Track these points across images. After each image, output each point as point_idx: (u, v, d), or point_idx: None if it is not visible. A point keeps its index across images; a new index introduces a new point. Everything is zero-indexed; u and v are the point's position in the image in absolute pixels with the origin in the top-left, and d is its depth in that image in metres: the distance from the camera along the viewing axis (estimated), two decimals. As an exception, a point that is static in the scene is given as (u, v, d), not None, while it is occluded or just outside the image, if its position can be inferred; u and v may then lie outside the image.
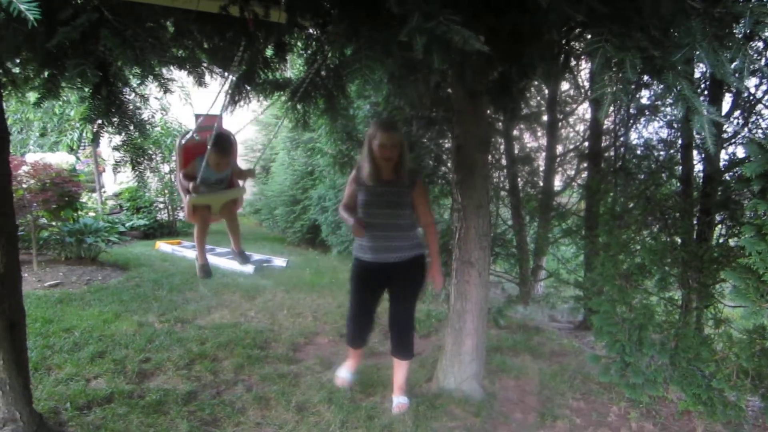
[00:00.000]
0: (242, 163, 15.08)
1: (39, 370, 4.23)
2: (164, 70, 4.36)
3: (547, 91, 6.98)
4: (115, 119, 2.68)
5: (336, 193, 9.39)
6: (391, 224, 3.76)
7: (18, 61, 2.86)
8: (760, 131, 4.65)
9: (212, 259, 9.13)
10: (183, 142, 4.26)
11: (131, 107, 2.84)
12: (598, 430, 3.79)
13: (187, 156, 4.23)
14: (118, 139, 2.99)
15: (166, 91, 2.55)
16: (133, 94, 2.89)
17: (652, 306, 4.00)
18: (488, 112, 4.60)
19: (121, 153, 3.13)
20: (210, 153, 3.98)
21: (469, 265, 4.02)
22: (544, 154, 7.32)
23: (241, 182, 4.70)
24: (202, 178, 4.04)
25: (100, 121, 2.71)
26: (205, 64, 4.16)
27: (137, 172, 3.43)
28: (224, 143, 4.27)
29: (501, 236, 6.90)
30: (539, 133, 7.49)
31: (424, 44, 1.66)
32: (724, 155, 4.71)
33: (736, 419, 3.50)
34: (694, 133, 4.79)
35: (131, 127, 2.83)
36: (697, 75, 4.62)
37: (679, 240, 4.44)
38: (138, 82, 2.93)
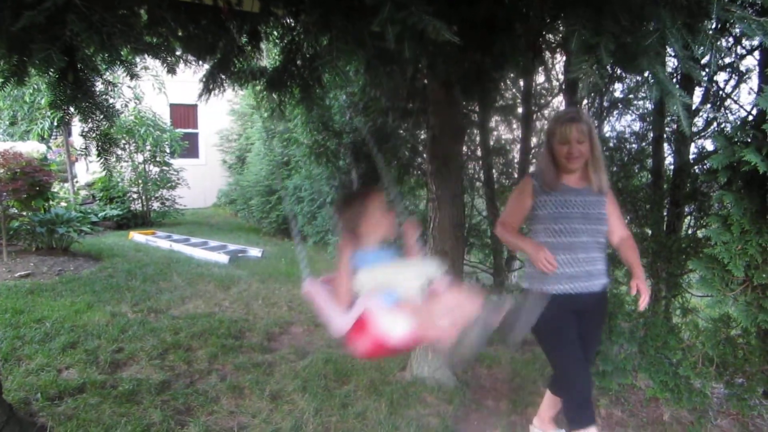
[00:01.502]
0: (218, 153, 14.87)
1: (9, 361, 4.18)
2: (138, 59, 4.32)
3: (522, 84, 7.03)
4: (82, 105, 2.64)
5: (312, 184, 9.37)
6: (593, 244, 2.89)
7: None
8: (728, 125, 4.74)
9: (185, 249, 9.09)
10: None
11: (98, 93, 2.80)
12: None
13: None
14: (86, 127, 2.94)
15: (133, 77, 2.48)
16: (101, 81, 2.84)
17: (621, 295, 4.07)
18: (463, 102, 4.63)
19: (87, 140, 3.07)
20: (374, 208, 2.43)
21: (444, 254, 4.06)
22: (519, 146, 7.38)
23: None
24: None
25: (66, 108, 2.67)
26: (179, 53, 4.11)
27: (103, 159, 3.36)
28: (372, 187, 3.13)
29: (476, 227, 6.95)
30: (514, 125, 7.54)
31: (396, 34, 1.67)
32: (693, 148, 4.81)
33: (701, 406, 3.59)
34: (666, 125, 4.89)
35: (98, 114, 2.78)
36: (669, 70, 4.69)
37: (649, 231, 4.52)
38: (105, 68, 2.87)
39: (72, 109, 2.70)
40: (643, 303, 2.75)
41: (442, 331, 2.14)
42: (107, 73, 3.45)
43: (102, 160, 3.30)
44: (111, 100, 3.10)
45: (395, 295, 2.19)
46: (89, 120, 2.79)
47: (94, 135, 2.91)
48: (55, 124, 9.03)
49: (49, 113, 11.15)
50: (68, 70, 2.40)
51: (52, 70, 2.15)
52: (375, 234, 2.38)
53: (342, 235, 2.44)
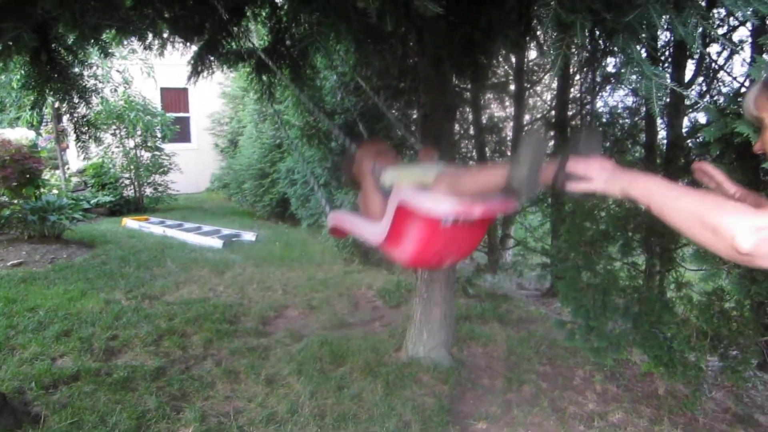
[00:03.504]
0: (210, 137, 14.68)
1: (2, 351, 4.16)
2: (125, 41, 4.23)
3: (514, 60, 6.97)
4: (56, 86, 2.57)
5: (305, 165, 9.30)
6: None
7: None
8: (721, 97, 4.70)
9: (179, 235, 9.05)
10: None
11: (73, 74, 2.73)
12: (563, 394, 3.86)
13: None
14: (62, 109, 2.87)
15: (107, 56, 2.42)
16: (77, 61, 2.77)
17: (615, 271, 4.07)
18: (454, 80, 4.58)
19: (64, 123, 3.02)
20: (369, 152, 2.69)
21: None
22: (511, 123, 7.34)
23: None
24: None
25: (40, 89, 2.61)
26: (166, 35, 4.04)
27: (80, 142, 3.29)
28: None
29: (469, 206, 6.93)
30: (507, 103, 7.49)
31: (377, 8, 1.62)
32: (686, 122, 4.78)
33: (696, 379, 3.60)
34: (659, 99, 4.85)
35: (74, 95, 2.72)
36: (661, 43, 4.65)
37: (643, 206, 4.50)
38: (76, 46, 2.77)
39: (45, 90, 2.63)
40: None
41: (476, 199, 2.09)
42: (91, 56, 3.37)
43: (80, 144, 3.23)
44: (93, 82, 3.02)
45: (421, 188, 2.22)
46: (65, 102, 2.73)
47: (72, 118, 2.85)
48: (29, 106, 8.86)
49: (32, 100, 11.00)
50: (41, 50, 2.33)
51: (24, 50, 2.08)
52: (386, 162, 2.54)
53: (362, 161, 2.60)
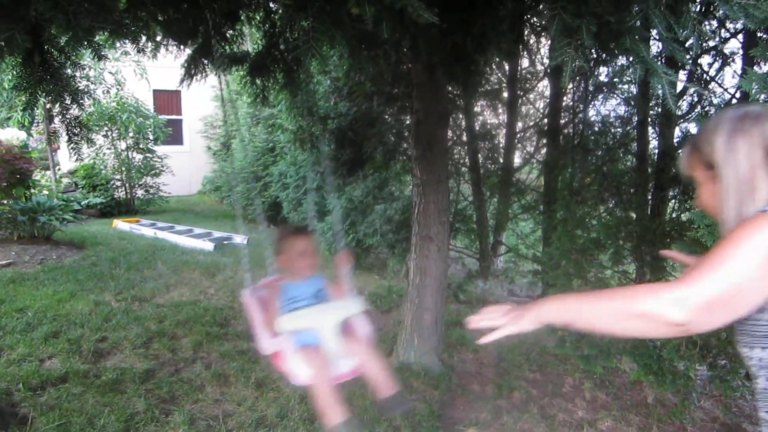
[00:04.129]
0: (204, 141, 14.67)
1: (-10, 351, 4.13)
2: (118, 43, 4.22)
3: (507, 68, 7.00)
4: (49, 88, 2.56)
5: (297, 170, 9.30)
6: None
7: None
8: (712, 108, 4.74)
9: (170, 237, 9.01)
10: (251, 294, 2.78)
11: (67, 76, 2.72)
12: (553, 401, 3.87)
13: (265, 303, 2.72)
14: (54, 110, 2.86)
15: (100, 58, 2.42)
16: (69, 63, 2.76)
17: (606, 279, 4.09)
18: (447, 86, 4.59)
19: (56, 124, 3.01)
20: (290, 251, 2.69)
21: (429, 240, 4.04)
22: (504, 130, 7.36)
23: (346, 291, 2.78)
24: (289, 300, 2.62)
25: (32, 90, 2.60)
26: (159, 37, 4.03)
27: (73, 145, 3.28)
28: (303, 227, 3.27)
29: (461, 212, 6.95)
30: (500, 110, 7.52)
31: (373, 15, 1.63)
32: (678, 132, 4.81)
33: (685, 388, 3.62)
34: (651, 108, 4.88)
35: (67, 97, 2.71)
36: (653, 53, 4.68)
37: (634, 215, 4.53)
38: (71, 48, 2.75)
39: (38, 92, 2.62)
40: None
41: (339, 374, 2.52)
42: (83, 57, 3.35)
43: (72, 146, 3.22)
44: (85, 84, 3.02)
45: (309, 336, 2.48)
46: (57, 103, 2.72)
47: (64, 120, 2.84)
48: (20, 107, 8.82)
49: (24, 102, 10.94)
50: (34, 51, 2.33)
51: (16, 51, 2.07)
52: (300, 270, 2.66)
53: (280, 262, 2.77)
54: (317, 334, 2.48)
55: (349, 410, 3.38)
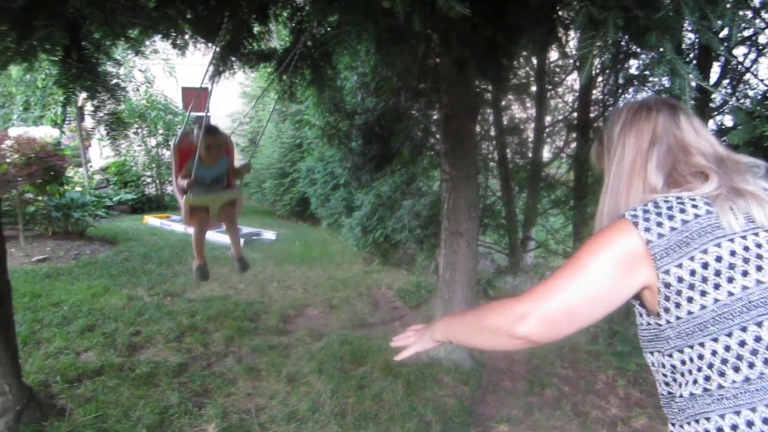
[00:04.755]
0: (232, 137, 14.76)
1: (28, 344, 4.22)
2: (147, 42, 4.28)
3: (536, 62, 6.93)
4: (86, 84, 2.60)
5: (325, 165, 9.34)
6: None
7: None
8: (747, 100, 4.64)
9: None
10: (177, 142, 3.99)
11: (103, 72, 2.76)
12: (586, 398, 3.84)
13: (182, 156, 3.92)
14: (92, 106, 2.91)
15: (138, 53, 2.46)
16: (106, 59, 2.80)
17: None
18: (476, 81, 4.56)
19: (94, 120, 3.05)
20: (200, 143, 3.67)
21: (458, 235, 4.03)
22: (533, 124, 7.29)
23: (237, 182, 4.35)
24: (197, 177, 3.68)
25: (71, 87, 2.64)
26: (188, 35, 4.07)
27: (111, 138, 3.35)
28: (213, 129, 4.07)
29: (490, 207, 6.90)
30: (528, 104, 7.45)
31: (405, 8, 1.62)
32: (712, 124, 4.72)
33: (721, 384, 3.55)
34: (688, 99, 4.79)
35: (104, 92, 2.75)
36: (686, 44, 4.60)
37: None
38: (108, 44, 2.80)
39: (76, 88, 2.67)
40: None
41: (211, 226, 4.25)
42: (115, 53, 3.40)
43: (110, 140, 3.28)
44: (118, 80, 3.06)
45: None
46: (95, 98, 2.77)
47: (101, 115, 2.89)
48: (61, 102, 9.01)
49: (62, 98, 11.14)
50: (72, 48, 2.37)
51: (55, 47, 2.11)
52: (206, 159, 3.78)
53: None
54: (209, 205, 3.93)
55: (376, 403, 3.41)
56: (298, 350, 4.43)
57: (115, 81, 2.87)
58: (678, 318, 1.11)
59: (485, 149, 7.10)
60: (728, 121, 4.63)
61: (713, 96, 4.64)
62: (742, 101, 4.64)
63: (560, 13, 3.71)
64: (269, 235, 9.52)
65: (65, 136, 13.50)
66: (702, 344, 1.10)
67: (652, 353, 1.25)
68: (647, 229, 1.12)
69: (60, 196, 8.23)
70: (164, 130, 12.44)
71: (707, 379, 1.10)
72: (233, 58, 4.04)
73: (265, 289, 6.17)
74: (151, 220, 10.42)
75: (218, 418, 3.36)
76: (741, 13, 4.24)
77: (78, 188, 10.41)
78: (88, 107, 3.20)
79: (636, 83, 5.80)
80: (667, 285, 1.11)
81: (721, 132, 4.53)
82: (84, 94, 3.14)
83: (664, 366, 1.22)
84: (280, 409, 3.50)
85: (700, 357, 1.11)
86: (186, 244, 8.15)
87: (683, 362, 1.15)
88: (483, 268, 6.89)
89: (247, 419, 3.40)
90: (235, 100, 14.53)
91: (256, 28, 3.86)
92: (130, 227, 9.65)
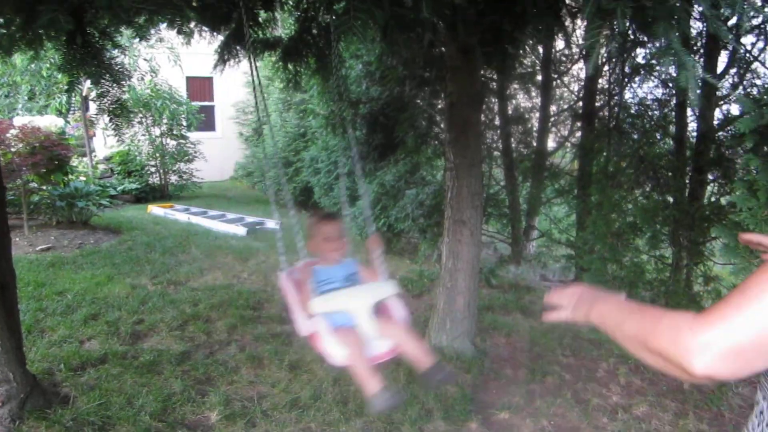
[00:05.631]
0: (236, 127, 14.71)
1: (32, 333, 4.24)
2: (153, 30, 4.27)
3: (541, 50, 6.89)
4: (91, 69, 2.60)
5: (329, 155, 9.32)
6: None
7: (1, 21, 2.77)
8: (755, 89, 4.61)
9: (203, 222, 9.12)
10: (285, 276, 2.75)
11: (108, 57, 2.75)
12: (587, 386, 3.84)
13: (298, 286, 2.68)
14: (96, 91, 2.89)
15: (142, 38, 2.43)
16: (110, 44, 2.79)
17: (642, 264, 4.02)
18: (481, 69, 4.54)
19: (99, 107, 3.04)
20: (315, 236, 2.77)
21: (461, 224, 4.02)
22: (537, 114, 7.26)
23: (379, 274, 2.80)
24: (322, 282, 2.64)
25: (76, 71, 2.64)
26: (193, 24, 4.05)
27: (115, 125, 3.32)
28: (330, 213, 3.23)
29: (494, 196, 6.89)
30: (533, 93, 7.42)
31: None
32: (718, 114, 4.69)
33: (723, 374, 3.54)
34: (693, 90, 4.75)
35: (108, 78, 2.74)
36: (693, 33, 4.56)
37: (671, 199, 4.44)
38: (113, 30, 2.78)
39: (81, 74, 2.66)
40: None
41: (375, 355, 2.47)
42: (120, 41, 3.39)
43: (114, 127, 3.26)
44: (122, 68, 3.05)
45: (344, 318, 2.46)
46: (99, 84, 2.76)
47: (105, 101, 2.88)
48: (65, 89, 8.97)
49: (66, 85, 11.14)
50: (76, 32, 2.36)
51: (60, 33, 2.10)
52: (327, 255, 2.70)
53: (311, 244, 2.80)
54: (351, 316, 2.47)
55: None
56: (300, 339, 4.39)
57: (119, 67, 2.87)
58: None
59: (489, 138, 7.08)
60: (735, 109, 4.60)
61: (720, 85, 4.61)
62: (749, 89, 4.61)
63: (567, 1, 3.69)
64: (272, 224, 9.53)
65: (70, 126, 13.51)
66: None
67: None
68: None
69: (64, 185, 8.25)
70: (168, 120, 12.43)
71: None
72: (238, 47, 4.04)
73: (268, 278, 6.17)
74: (155, 209, 10.44)
75: (221, 406, 3.37)
76: (751, 0, 4.22)
77: (82, 177, 10.43)
78: (93, 96, 3.19)
79: (643, 72, 5.77)
80: None
81: (727, 120, 4.51)
82: (89, 83, 3.14)
83: None
84: (283, 397, 3.51)
85: None
86: (189, 233, 8.17)
87: None
88: (486, 257, 6.89)
89: (250, 407, 3.41)
90: (240, 89, 14.50)
91: (262, 16, 3.85)
92: (134, 216, 9.66)
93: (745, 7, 2.02)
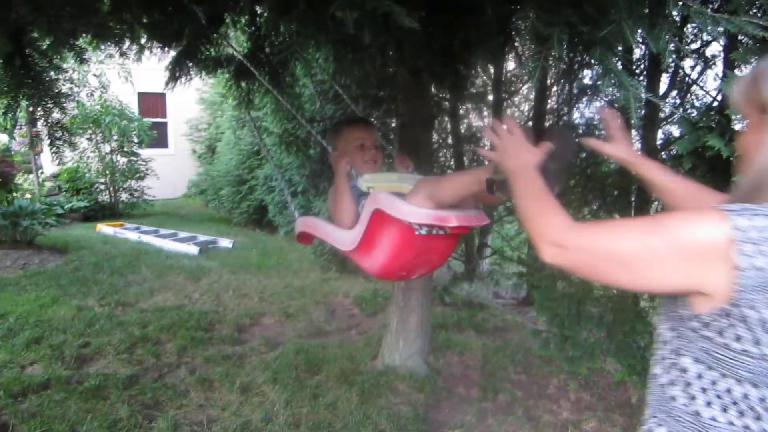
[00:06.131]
0: (189, 144, 14.56)
1: (-30, 358, 4.08)
2: (102, 46, 4.20)
3: (492, 71, 7.02)
4: (30, 92, 2.54)
5: (283, 173, 9.27)
6: None
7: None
8: (694, 111, 4.78)
9: (154, 241, 8.95)
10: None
11: (47, 79, 2.69)
12: (538, 402, 3.89)
13: None
14: (36, 114, 2.83)
15: (82, 62, 2.38)
16: (51, 66, 2.73)
17: (590, 281, 4.09)
18: (433, 90, 4.60)
19: (38, 127, 2.97)
20: (347, 143, 2.54)
21: (413, 243, 4.04)
22: (489, 133, 7.36)
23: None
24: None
25: (14, 94, 2.57)
26: (143, 40, 4.00)
27: (55, 149, 3.25)
28: (360, 118, 3.19)
29: (447, 215, 6.94)
30: (485, 113, 7.54)
31: (354, 20, 1.63)
32: (661, 134, 4.85)
33: (668, 388, 3.63)
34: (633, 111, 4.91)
35: (48, 101, 2.68)
36: (636, 56, 4.72)
37: (617, 216, 4.56)
38: (52, 52, 2.71)
39: (20, 96, 2.60)
40: None
41: (453, 208, 2.08)
42: (67, 60, 3.32)
43: (54, 150, 3.19)
44: (69, 86, 2.99)
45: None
46: (39, 107, 2.69)
47: (46, 123, 2.81)
48: (24, 117, 8.80)
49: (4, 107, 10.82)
50: (15, 54, 2.30)
51: (-4, 55, 2.05)
52: (361, 166, 2.44)
53: (340, 157, 2.47)
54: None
55: (330, 413, 3.37)
56: (252, 360, 4.37)
57: (61, 89, 2.80)
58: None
59: (443, 157, 7.16)
60: (675, 131, 4.77)
61: (662, 105, 4.77)
62: (689, 111, 4.79)
63: (517, 24, 3.79)
64: (226, 243, 9.41)
65: (15, 142, 13.09)
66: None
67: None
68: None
69: (8, 203, 7.99)
70: (119, 136, 12.18)
71: (724, 409, 1.07)
72: (190, 64, 4.01)
73: (220, 298, 6.08)
74: (104, 228, 10.18)
75: (169, 431, 3.29)
76: (688, 27, 4.39)
77: (27, 195, 10.13)
78: (39, 113, 3.12)
79: (589, 93, 5.93)
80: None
81: (668, 142, 4.67)
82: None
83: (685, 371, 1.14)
84: (233, 420, 3.45)
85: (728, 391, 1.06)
86: (140, 253, 8.00)
87: (714, 383, 1.08)
88: (439, 274, 6.93)
89: (199, 431, 3.34)
90: (193, 106, 14.34)
91: (214, 35, 3.82)
92: (82, 235, 9.41)
93: (678, 35, 2.11)
